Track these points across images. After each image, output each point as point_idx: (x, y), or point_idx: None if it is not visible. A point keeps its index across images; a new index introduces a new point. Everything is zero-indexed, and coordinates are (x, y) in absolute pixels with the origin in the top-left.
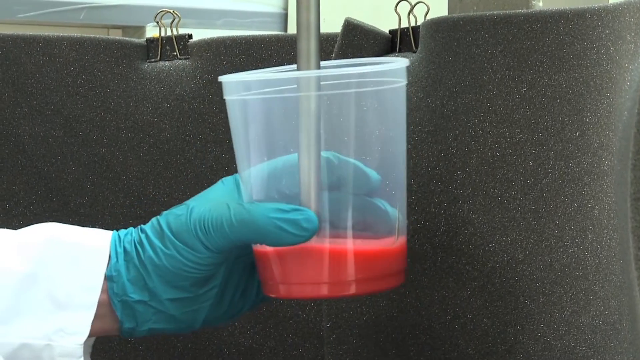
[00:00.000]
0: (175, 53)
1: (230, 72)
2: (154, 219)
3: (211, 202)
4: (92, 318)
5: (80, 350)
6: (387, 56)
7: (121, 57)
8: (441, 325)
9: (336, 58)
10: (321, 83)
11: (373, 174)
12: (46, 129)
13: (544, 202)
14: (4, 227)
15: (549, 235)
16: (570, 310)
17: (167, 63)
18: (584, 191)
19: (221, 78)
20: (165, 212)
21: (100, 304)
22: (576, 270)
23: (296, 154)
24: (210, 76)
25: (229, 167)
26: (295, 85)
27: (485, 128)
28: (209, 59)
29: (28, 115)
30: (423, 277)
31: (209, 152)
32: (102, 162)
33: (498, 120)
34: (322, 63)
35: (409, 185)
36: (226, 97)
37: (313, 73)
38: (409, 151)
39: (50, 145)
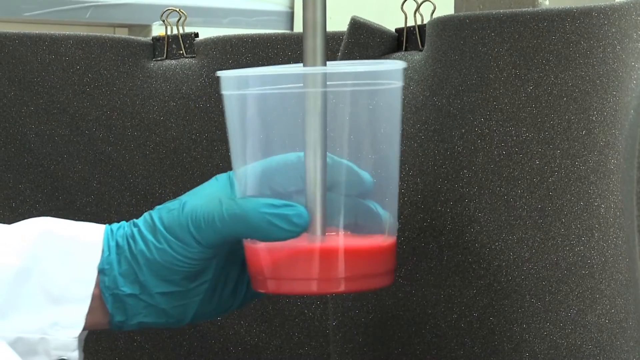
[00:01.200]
0: (181, 52)
1: None
2: (146, 214)
3: (204, 197)
4: (86, 311)
5: (75, 344)
6: (392, 55)
7: (127, 55)
8: (447, 323)
9: (342, 57)
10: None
11: (366, 176)
12: (52, 128)
13: (550, 201)
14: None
15: (555, 233)
16: (576, 308)
17: (173, 62)
18: (590, 190)
19: (219, 73)
20: (158, 207)
21: (92, 298)
22: (582, 269)
23: (292, 153)
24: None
25: None
26: (296, 82)
27: (492, 127)
28: (215, 58)
29: (34, 113)
30: (429, 275)
31: (215, 150)
32: (108, 161)
33: (504, 119)
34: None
35: (414, 184)
36: (224, 92)
37: (319, 69)
38: (414, 150)
39: (56, 144)
